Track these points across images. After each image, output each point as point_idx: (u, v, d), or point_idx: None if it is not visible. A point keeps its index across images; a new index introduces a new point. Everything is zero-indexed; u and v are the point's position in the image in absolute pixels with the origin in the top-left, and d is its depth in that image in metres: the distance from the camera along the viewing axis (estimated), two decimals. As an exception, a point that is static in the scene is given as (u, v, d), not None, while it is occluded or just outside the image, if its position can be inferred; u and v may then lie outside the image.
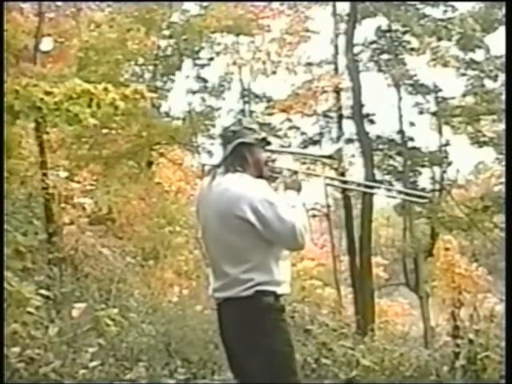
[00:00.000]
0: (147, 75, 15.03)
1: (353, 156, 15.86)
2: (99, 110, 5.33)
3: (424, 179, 16.80)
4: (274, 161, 2.77)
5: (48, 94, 5.17)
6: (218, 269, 2.61)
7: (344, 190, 15.41)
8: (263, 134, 2.73)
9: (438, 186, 16.94)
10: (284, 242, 2.52)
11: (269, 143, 2.77)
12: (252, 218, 2.48)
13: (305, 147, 16.42)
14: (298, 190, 2.71)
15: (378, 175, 16.18)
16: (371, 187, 3.70)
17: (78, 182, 9.95)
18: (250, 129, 2.70)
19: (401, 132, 16.25)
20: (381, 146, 16.42)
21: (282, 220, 2.46)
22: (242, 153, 2.64)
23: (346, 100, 15.83)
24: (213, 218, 2.59)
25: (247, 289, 2.51)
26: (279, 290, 2.57)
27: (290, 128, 16.48)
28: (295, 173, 2.75)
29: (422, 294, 15.41)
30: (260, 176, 2.66)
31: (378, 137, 16.42)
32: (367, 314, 13.13)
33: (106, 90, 5.31)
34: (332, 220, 17.35)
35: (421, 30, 15.07)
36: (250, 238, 2.51)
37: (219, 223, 2.56)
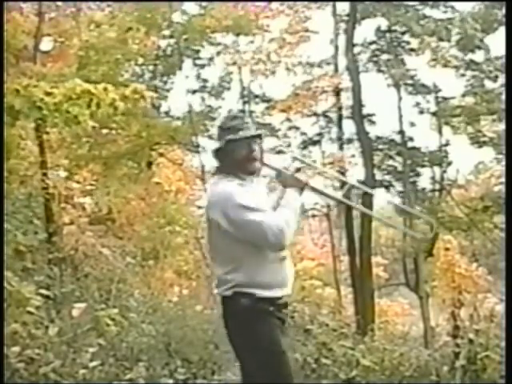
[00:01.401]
0: (147, 75, 15.03)
1: (353, 156, 15.86)
2: (99, 110, 5.33)
3: (424, 179, 16.84)
4: (260, 158, 2.75)
5: (48, 94, 5.17)
6: (212, 268, 2.80)
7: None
8: (247, 132, 2.72)
9: (438, 186, 16.94)
10: (258, 243, 2.57)
11: (255, 137, 2.75)
12: (223, 222, 2.57)
13: (305, 147, 16.46)
14: (301, 188, 2.73)
15: (378, 175, 16.19)
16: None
17: (78, 182, 9.95)
18: (229, 128, 2.71)
19: (401, 132, 16.27)
20: (381, 146, 16.42)
21: (250, 223, 2.51)
22: (226, 151, 2.70)
23: (346, 100, 15.84)
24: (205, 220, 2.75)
25: (228, 289, 2.63)
26: (261, 293, 2.60)
27: (290, 128, 16.50)
28: (298, 170, 2.78)
29: (422, 294, 15.41)
30: (251, 172, 2.71)
31: (378, 137, 16.43)
32: (367, 314, 13.13)
33: (105, 90, 5.31)
34: (332, 220, 17.35)
35: (420, 30, 15.07)
36: (228, 240, 2.61)
37: (207, 225, 2.71)
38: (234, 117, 2.79)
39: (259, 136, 2.78)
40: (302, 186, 2.73)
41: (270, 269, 2.63)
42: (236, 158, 2.69)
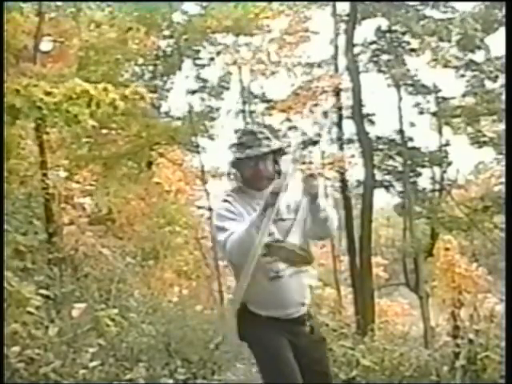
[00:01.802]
0: (147, 75, 15.03)
1: (353, 156, 15.86)
2: (98, 109, 5.32)
3: (424, 179, 16.84)
4: (272, 174, 2.71)
5: (48, 94, 5.17)
6: None
7: (344, 190, 15.46)
8: (255, 151, 2.68)
9: (438, 186, 16.94)
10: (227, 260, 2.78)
11: (265, 155, 2.70)
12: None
13: (305, 147, 16.45)
14: (277, 192, 2.54)
15: (378, 175, 16.19)
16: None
17: (78, 182, 9.94)
18: (239, 144, 2.72)
19: (401, 132, 16.26)
20: (381, 146, 16.42)
21: (217, 242, 2.71)
22: (236, 167, 2.76)
23: (346, 100, 15.84)
24: None
25: None
26: (254, 310, 2.68)
27: (290, 128, 16.49)
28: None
29: (422, 294, 15.41)
30: (259, 189, 2.72)
31: (378, 137, 16.42)
32: (367, 314, 13.13)
33: (105, 90, 5.31)
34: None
35: (421, 30, 15.08)
36: None
37: None
38: (247, 132, 2.77)
39: (280, 150, 2.74)
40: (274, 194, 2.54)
41: (260, 288, 2.62)
42: (243, 175, 2.73)
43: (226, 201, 2.72)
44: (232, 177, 2.78)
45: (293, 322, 2.70)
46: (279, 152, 2.77)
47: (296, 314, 2.71)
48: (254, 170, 2.70)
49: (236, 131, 2.78)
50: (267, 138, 2.74)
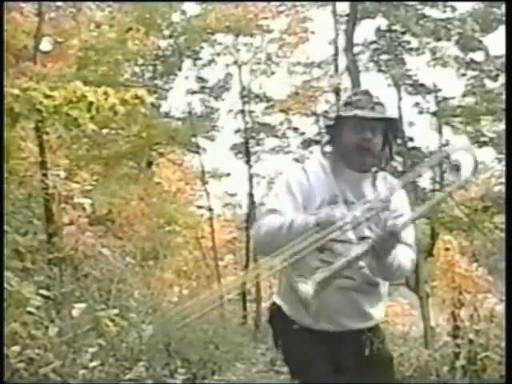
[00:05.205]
0: (147, 75, 15.04)
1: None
2: (98, 113, 5.31)
3: (424, 179, 16.83)
4: (378, 153, 2.24)
5: (48, 97, 5.15)
6: None
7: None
8: (370, 113, 2.20)
9: (438, 186, 16.94)
10: None
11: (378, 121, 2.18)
12: None
13: (304, 147, 16.47)
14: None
15: (378, 175, 16.18)
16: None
17: (78, 182, 9.93)
18: (349, 103, 2.28)
19: (400, 132, 16.25)
20: (381, 146, 16.41)
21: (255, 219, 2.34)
22: (333, 134, 2.29)
23: (346, 100, 15.82)
24: None
25: None
26: (287, 310, 2.33)
27: (289, 128, 16.50)
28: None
29: (422, 293, 15.37)
30: (359, 168, 2.24)
31: (378, 137, 16.41)
32: (367, 314, 13.13)
33: (105, 94, 5.28)
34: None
35: (420, 30, 15.07)
36: None
37: None
38: (360, 92, 2.25)
39: (394, 123, 2.18)
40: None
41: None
42: (339, 146, 2.15)
43: (304, 170, 2.10)
44: (325, 149, 2.18)
45: (335, 336, 2.12)
46: (392, 126, 2.19)
47: (341, 329, 2.13)
48: (357, 138, 2.08)
49: (345, 90, 2.25)
50: (381, 105, 2.16)
